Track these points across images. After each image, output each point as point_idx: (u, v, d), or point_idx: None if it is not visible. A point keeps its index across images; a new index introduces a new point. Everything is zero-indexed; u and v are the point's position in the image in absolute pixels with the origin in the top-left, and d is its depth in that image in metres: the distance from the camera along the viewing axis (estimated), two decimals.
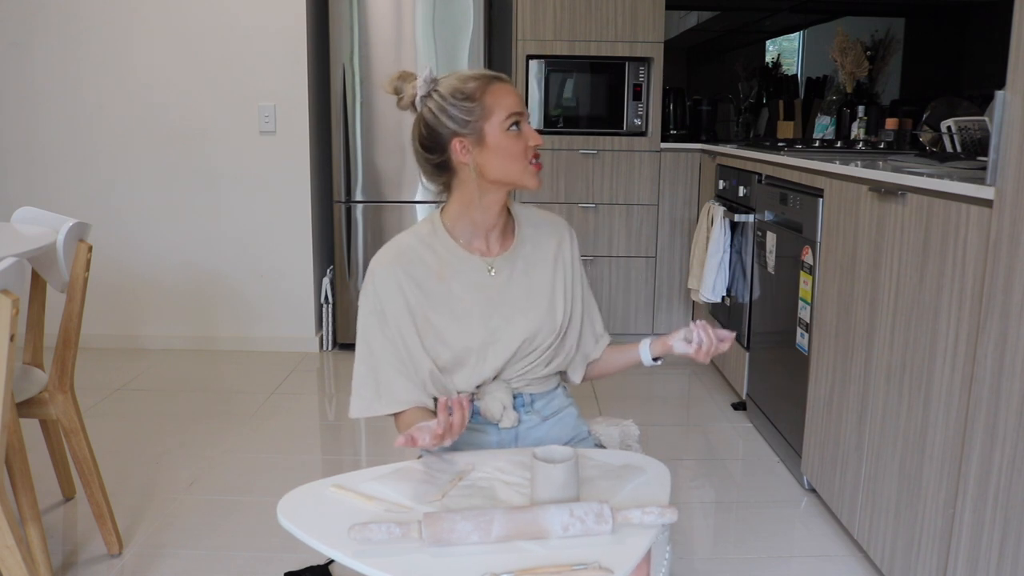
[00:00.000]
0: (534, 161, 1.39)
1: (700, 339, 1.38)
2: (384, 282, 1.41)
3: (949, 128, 2.41)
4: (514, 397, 1.44)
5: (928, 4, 3.64)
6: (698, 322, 1.39)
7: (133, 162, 3.82)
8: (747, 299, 3.05)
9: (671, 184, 3.90)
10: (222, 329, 3.95)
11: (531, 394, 1.46)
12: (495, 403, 1.42)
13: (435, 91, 1.38)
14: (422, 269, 1.42)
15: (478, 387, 1.43)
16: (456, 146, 1.38)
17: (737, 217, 3.08)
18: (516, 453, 1.31)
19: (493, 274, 1.44)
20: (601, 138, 3.85)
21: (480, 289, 1.42)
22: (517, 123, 1.37)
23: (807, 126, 3.88)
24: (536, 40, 3.78)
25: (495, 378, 1.43)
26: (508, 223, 1.48)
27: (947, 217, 1.62)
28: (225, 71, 3.75)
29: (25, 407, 1.98)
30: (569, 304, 1.48)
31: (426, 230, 1.46)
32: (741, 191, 3.11)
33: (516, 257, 1.46)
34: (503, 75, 1.42)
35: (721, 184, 3.44)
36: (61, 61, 3.74)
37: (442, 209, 1.47)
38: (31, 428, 2.09)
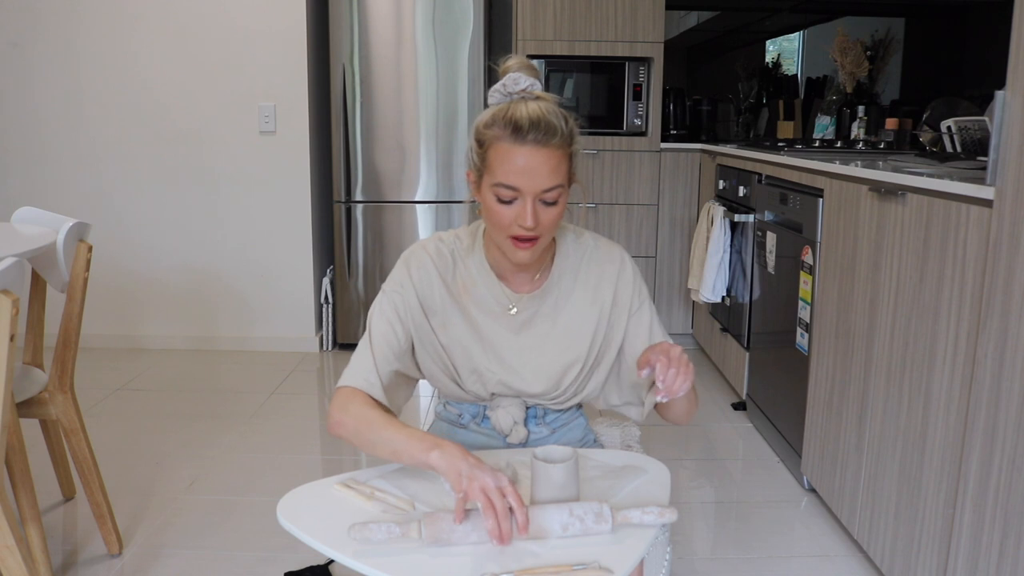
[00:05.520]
0: (519, 238, 1.24)
1: (662, 381, 1.17)
2: (416, 274, 1.35)
3: (949, 128, 2.40)
4: (528, 407, 1.41)
5: (928, 4, 3.63)
6: (658, 364, 1.17)
7: (133, 162, 3.82)
8: (747, 299, 3.05)
9: (671, 184, 3.90)
10: (222, 329, 3.95)
11: (545, 409, 1.43)
12: (506, 417, 1.38)
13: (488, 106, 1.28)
14: (452, 279, 1.37)
15: (492, 396, 1.40)
16: (469, 177, 1.31)
17: (737, 217, 3.08)
18: (517, 453, 1.31)
19: (514, 313, 1.36)
20: (601, 138, 3.85)
21: (497, 321, 1.36)
22: (506, 200, 1.22)
23: (807, 126, 3.88)
24: (536, 40, 3.77)
25: None
26: (547, 256, 1.38)
27: (947, 217, 1.62)
28: (225, 71, 3.75)
29: (25, 407, 1.98)
30: (595, 352, 1.37)
31: (466, 242, 1.38)
32: (741, 191, 3.11)
33: (546, 296, 1.37)
34: (549, 132, 1.19)
35: (721, 184, 3.44)
36: (61, 61, 3.74)
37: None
38: (31, 428, 2.09)
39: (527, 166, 1.20)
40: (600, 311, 1.37)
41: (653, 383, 1.36)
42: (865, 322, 2.00)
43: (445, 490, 1.13)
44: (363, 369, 1.31)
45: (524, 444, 1.42)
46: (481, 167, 1.25)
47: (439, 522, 1.05)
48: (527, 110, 1.20)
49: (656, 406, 1.36)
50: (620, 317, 1.38)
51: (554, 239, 1.39)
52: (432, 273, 1.36)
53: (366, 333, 1.35)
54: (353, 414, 1.25)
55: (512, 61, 1.27)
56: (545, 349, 1.36)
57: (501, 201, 1.23)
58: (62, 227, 1.93)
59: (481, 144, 1.24)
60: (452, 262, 1.37)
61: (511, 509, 1.04)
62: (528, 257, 1.27)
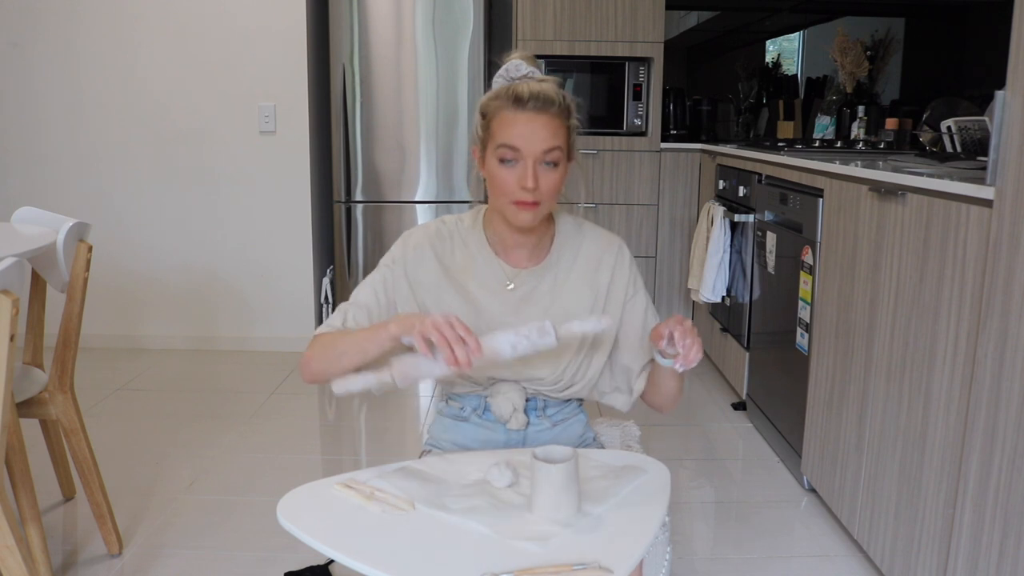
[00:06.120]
0: (522, 201, 1.30)
1: (682, 347, 1.21)
2: (413, 253, 1.41)
3: (949, 128, 2.40)
4: (527, 400, 1.43)
5: (928, 4, 3.63)
6: (675, 333, 1.21)
7: (133, 162, 3.82)
8: (747, 299, 3.05)
9: (671, 184, 3.90)
10: (222, 329, 3.95)
11: (544, 399, 1.44)
12: (506, 403, 1.40)
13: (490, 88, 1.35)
14: (450, 257, 1.42)
15: (491, 381, 1.42)
16: (475, 153, 1.38)
17: (737, 217, 3.08)
18: (517, 453, 1.31)
19: (511, 288, 1.40)
20: (601, 138, 3.85)
21: (495, 297, 1.40)
22: (510, 159, 1.29)
23: (807, 126, 3.88)
24: (536, 40, 3.78)
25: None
26: (547, 236, 1.43)
27: (947, 217, 1.62)
28: (225, 71, 3.75)
29: (25, 407, 1.98)
30: (590, 335, 1.39)
31: (468, 222, 1.45)
32: (741, 191, 3.11)
33: (545, 272, 1.41)
34: (548, 101, 1.28)
35: (721, 184, 3.44)
36: (61, 61, 3.74)
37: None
38: (31, 428, 2.09)
39: (527, 128, 1.27)
40: (596, 295, 1.41)
41: (643, 368, 1.41)
42: (865, 322, 2.00)
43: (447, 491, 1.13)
44: (334, 323, 1.39)
45: (523, 436, 1.43)
46: (485, 138, 1.33)
47: (405, 362, 1.17)
48: (528, 86, 1.29)
49: (644, 393, 1.42)
50: (616, 302, 1.42)
51: (554, 220, 1.44)
52: (427, 253, 1.41)
53: (351, 296, 1.43)
54: (315, 345, 1.34)
55: (515, 55, 1.35)
56: None
57: (504, 162, 1.29)
58: (62, 227, 1.93)
59: (485, 116, 1.32)
60: (451, 242, 1.43)
61: (463, 340, 1.14)
62: (529, 219, 1.32)
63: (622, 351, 1.43)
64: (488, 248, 1.42)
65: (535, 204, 1.30)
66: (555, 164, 1.30)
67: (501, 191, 1.31)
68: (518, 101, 1.28)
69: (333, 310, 3.88)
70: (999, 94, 1.44)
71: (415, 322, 1.18)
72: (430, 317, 1.16)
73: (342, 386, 1.18)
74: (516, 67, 1.32)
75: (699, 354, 1.21)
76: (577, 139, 1.38)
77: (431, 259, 1.41)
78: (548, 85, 1.30)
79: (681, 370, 1.21)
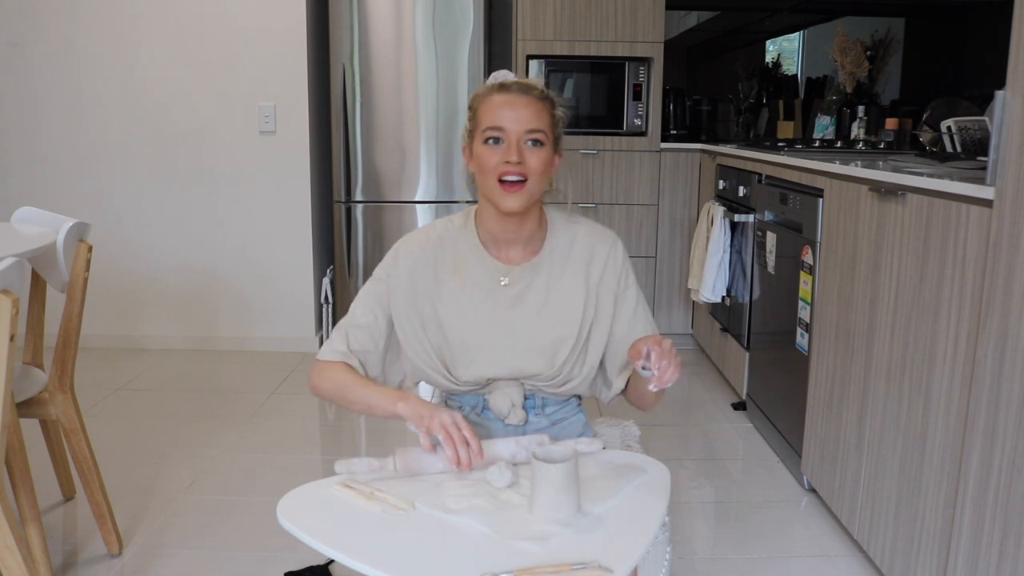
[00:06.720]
0: (505, 180, 1.32)
1: (657, 369, 1.20)
2: (404, 262, 1.43)
3: (949, 128, 2.40)
4: (526, 397, 1.44)
5: (928, 4, 3.64)
6: (653, 353, 1.20)
7: (133, 162, 3.82)
8: (747, 299, 3.05)
9: (671, 184, 3.90)
10: (222, 329, 3.95)
11: (543, 398, 1.45)
12: (504, 399, 1.41)
13: None
14: (441, 260, 1.43)
15: (488, 381, 1.42)
16: (465, 151, 1.41)
17: (737, 217, 3.08)
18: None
19: (505, 284, 1.41)
20: (601, 138, 3.85)
21: (489, 294, 1.41)
22: (496, 139, 1.33)
23: (807, 126, 3.88)
24: (536, 40, 3.78)
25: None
26: (540, 231, 1.44)
27: (947, 217, 1.62)
28: (225, 71, 3.75)
29: (25, 407, 1.98)
30: (586, 330, 1.41)
31: (459, 222, 1.47)
32: (741, 191, 3.11)
33: (539, 268, 1.42)
34: (529, 87, 1.36)
35: (721, 184, 3.44)
36: (61, 61, 3.74)
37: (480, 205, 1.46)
38: (31, 428, 2.09)
39: (510, 110, 1.33)
40: (588, 290, 1.43)
41: (624, 368, 1.43)
42: (865, 322, 2.00)
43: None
44: (338, 348, 1.42)
45: (523, 432, 1.43)
46: (472, 128, 1.37)
47: (409, 455, 1.23)
48: (513, 78, 1.39)
49: (624, 391, 1.44)
50: (607, 297, 1.43)
51: (545, 215, 1.45)
52: (420, 261, 1.43)
53: (348, 312, 1.45)
54: (330, 379, 1.40)
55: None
56: (537, 323, 1.41)
57: (489, 142, 1.33)
58: (62, 227, 1.94)
59: (472, 108, 1.39)
60: (442, 245, 1.44)
61: (467, 441, 1.21)
62: (516, 203, 1.33)
63: (609, 347, 1.44)
64: (480, 246, 1.43)
65: (521, 183, 1.32)
66: (540, 144, 1.33)
67: (486, 170, 1.34)
68: (502, 87, 1.36)
69: (333, 310, 3.94)
70: (999, 94, 1.44)
71: (423, 413, 1.24)
72: (438, 415, 1.22)
73: (346, 467, 1.25)
74: (504, 74, 1.39)
75: (675, 375, 1.18)
76: (564, 137, 1.41)
77: (424, 266, 1.42)
78: (532, 78, 1.40)
79: (655, 389, 1.20)
